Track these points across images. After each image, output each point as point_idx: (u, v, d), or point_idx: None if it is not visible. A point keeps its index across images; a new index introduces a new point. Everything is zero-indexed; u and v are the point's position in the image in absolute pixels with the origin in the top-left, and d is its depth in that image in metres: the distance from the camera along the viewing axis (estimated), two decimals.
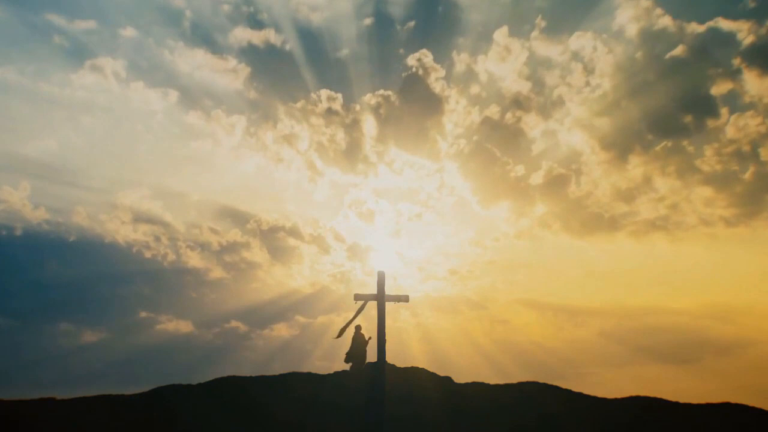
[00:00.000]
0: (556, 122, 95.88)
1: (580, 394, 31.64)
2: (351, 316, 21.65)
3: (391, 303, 21.06)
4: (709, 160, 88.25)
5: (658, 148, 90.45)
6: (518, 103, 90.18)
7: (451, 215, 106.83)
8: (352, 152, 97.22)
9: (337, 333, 22.75)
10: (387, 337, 21.39)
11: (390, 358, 22.45)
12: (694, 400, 31.05)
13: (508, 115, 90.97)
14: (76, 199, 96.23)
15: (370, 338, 30.20)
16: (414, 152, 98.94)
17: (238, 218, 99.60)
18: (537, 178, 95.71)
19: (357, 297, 20.47)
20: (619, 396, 31.76)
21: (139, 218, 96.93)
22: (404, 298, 20.91)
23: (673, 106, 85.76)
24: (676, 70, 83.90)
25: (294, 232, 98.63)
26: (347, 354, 30.73)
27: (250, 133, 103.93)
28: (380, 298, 20.25)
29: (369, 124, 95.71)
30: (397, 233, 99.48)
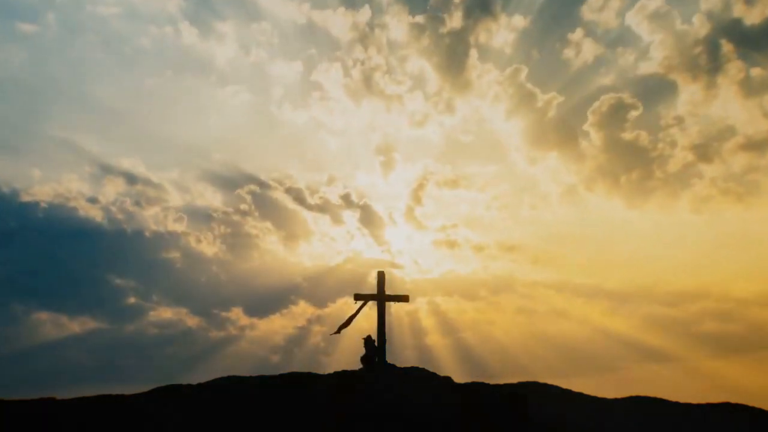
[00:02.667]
0: (619, 35, 70.53)
1: (580, 394, 31.66)
2: (352, 313, 21.74)
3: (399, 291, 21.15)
4: None
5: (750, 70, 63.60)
6: (573, 15, 69.19)
7: (482, 171, 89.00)
8: (368, 85, 79.69)
9: (336, 329, 22.75)
10: (388, 336, 21.46)
11: (393, 353, 22.48)
12: (695, 400, 31.09)
13: (559, 32, 71.50)
14: (31, 151, 76.75)
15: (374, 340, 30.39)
16: (441, 81, 79.90)
17: (233, 178, 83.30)
18: (591, 116, 75.60)
19: (357, 297, 20.53)
20: (619, 396, 31.79)
21: (112, 181, 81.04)
22: (404, 298, 20.98)
23: None
24: None
25: (299, 197, 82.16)
26: (363, 358, 31.16)
27: (244, 51, 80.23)
28: (380, 298, 20.29)
29: (387, 45, 78.56)
30: (417, 196, 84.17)
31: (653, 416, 29.58)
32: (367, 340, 29.86)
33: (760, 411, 29.99)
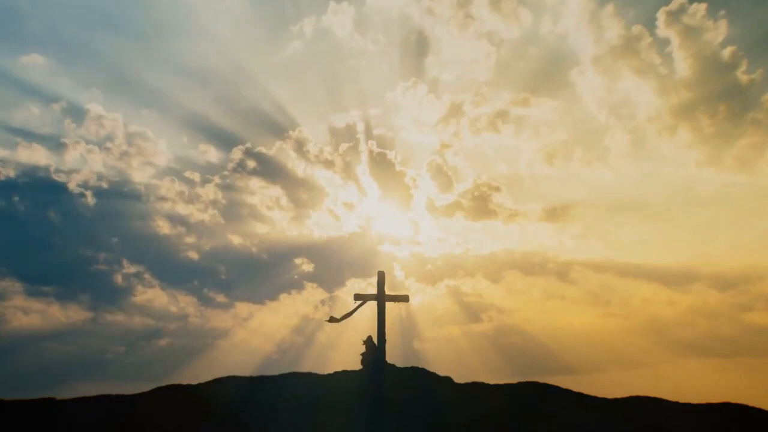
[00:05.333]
0: None
1: (580, 394, 31.63)
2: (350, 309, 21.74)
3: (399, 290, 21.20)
4: None
5: None
6: None
7: (530, 112, 64.74)
8: None
9: (330, 318, 22.58)
10: (387, 336, 21.52)
11: (398, 350, 22.37)
12: (694, 400, 31.03)
13: None
14: None
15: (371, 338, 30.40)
16: None
17: (230, 131, 64.77)
18: (674, 34, 54.22)
19: (357, 297, 20.58)
20: (619, 396, 31.75)
21: (84, 132, 64.72)
22: (404, 298, 21.02)
23: None
24: None
25: (302, 149, 64.39)
26: (363, 357, 31.16)
27: None
28: (380, 298, 20.34)
29: None
30: (445, 144, 67.41)
31: (653, 416, 29.56)
32: (368, 341, 29.86)
33: (760, 411, 29.96)
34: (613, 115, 61.66)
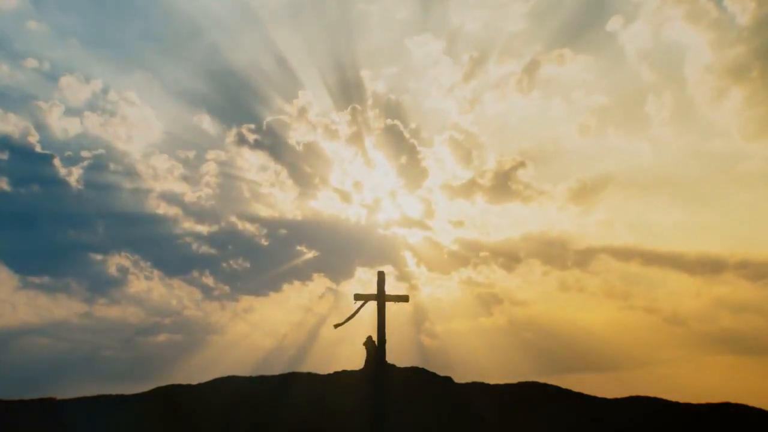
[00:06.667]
0: None
1: (579, 394, 31.64)
2: (353, 311, 21.80)
3: (400, 290, 21.23)
4: None
5: None
6: None
7: (568, 71, 59.53)
8: None
9: (335, 325, 22.72)
10: (391, 335, 21.53)
11: (400, 347, 22.33)
12: (694, 400, 31.03)
13: None
14: None
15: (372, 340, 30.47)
16: None
17: (224, 103, 59.62)
18: None
19: (357, 297, 20.55)
20: (619, 396, 31.76)
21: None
22: (404, 298, 21.00)
23: None
24: None
25: (305, 116, 58.53)
26: (366, 362, 31.23)
27: None
28: (380, 298, 20.32)
29: None
30: (464, 109, 59.88)
31: (653, 416, 29.56)
32: (368, 341, 29.84)
33: (760, 411, 29.97)
34: (656, 74, 56.51)
